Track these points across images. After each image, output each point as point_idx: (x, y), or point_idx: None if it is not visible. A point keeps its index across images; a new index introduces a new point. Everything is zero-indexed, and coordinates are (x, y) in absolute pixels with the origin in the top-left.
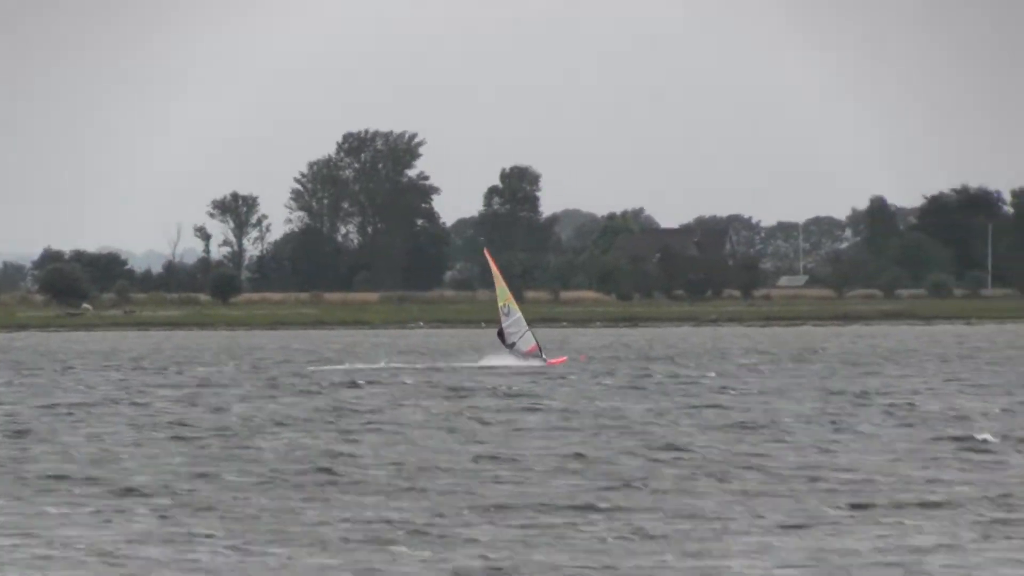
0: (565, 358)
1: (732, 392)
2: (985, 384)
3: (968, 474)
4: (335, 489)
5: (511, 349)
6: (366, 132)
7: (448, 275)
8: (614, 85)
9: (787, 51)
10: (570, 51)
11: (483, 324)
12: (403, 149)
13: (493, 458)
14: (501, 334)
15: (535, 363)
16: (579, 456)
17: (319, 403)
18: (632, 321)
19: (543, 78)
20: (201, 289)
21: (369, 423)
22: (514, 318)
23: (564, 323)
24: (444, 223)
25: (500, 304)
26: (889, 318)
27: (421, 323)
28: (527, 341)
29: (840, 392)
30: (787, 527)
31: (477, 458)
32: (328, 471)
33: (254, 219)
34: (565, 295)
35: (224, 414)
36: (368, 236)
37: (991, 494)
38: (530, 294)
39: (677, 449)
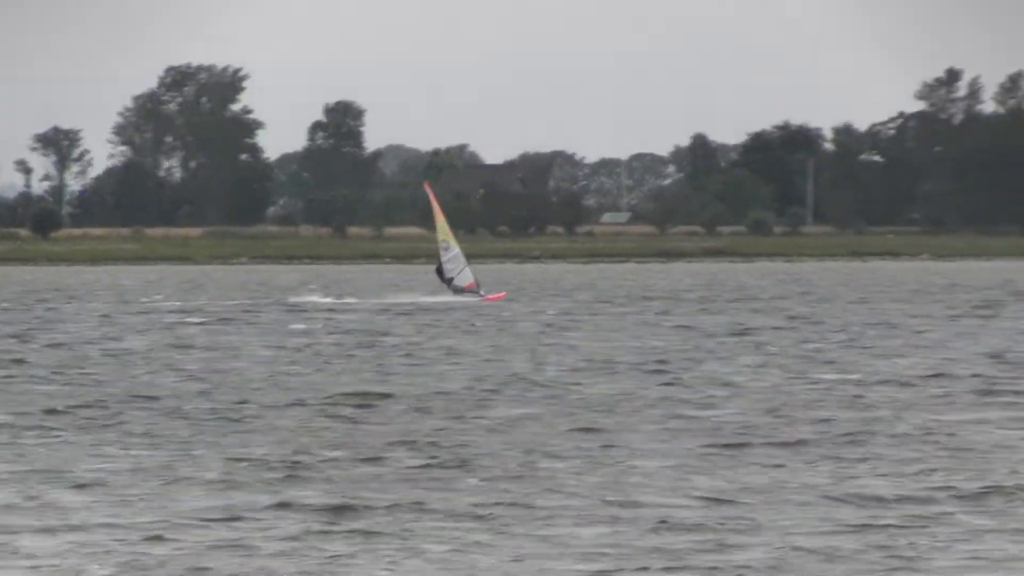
0: (504, 293)
1: (574, 330)
2: (822, 321)
3: (817, 411)
4: (183, 427)
5: (449, 285)
6: (189, 66)
7: (271, 210)
8: (438, 19)
9: None
10: None
11: (305, 260)
12: (227, 83)
13: (341, 395)
14: (440, 270)
15: (472, 299)
16: (422, 394)
17: (158, 339)
18: None
19: (368, 11)
20: (21, 224)
21: (211, 359)
22: (452, 254)
23: (387, 259)
24: (268, 158)
25: (440, 239)
26: (711, 255)
27: (244, 258)
28: (465, 277)
29: (686, 328)
30: (641, 464)
31: (325, 396)
32: (175, 410)
33: (76, 153)
34: (389, 231)
35: (62, 350)
36: (191, 171)
37: (843, 431)
38: (353, 230)
39: (521, 383)
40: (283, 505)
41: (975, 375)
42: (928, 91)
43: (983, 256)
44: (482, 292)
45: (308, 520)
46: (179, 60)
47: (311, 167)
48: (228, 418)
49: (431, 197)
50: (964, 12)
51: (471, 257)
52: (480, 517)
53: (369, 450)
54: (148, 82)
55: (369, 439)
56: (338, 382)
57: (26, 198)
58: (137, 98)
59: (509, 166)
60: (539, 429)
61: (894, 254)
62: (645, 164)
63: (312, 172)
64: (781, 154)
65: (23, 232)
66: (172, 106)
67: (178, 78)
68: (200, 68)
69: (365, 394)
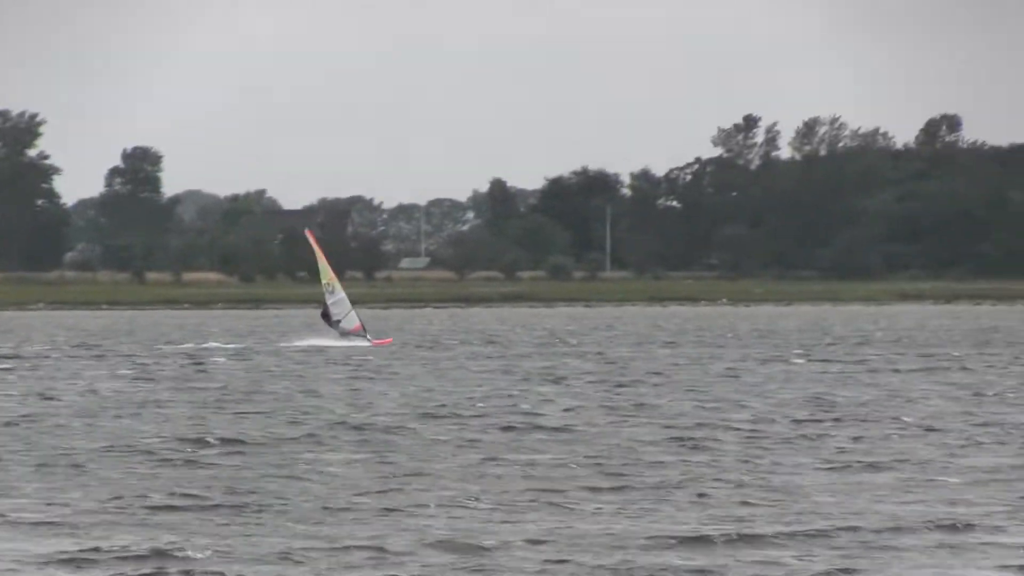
0: (391, 339)
1: (388, 374)
2: (633, 365)
3: (637, 455)
4: (5, 478)
5: (335, 327)
6: None
7: (68, 256)
8: (235, 64)
9: (412, 29)
10: (193, 29)
11: (103, 305)
12: (23, 128)
13: (157, 440)
14: (326, 314)
15: (360, 342)
16: (238, 438)
17: None
18: (255, 303)
19: (165, 57)
20: None
21: (22, 404)
22: (338, 297)
23: (186, 305)
24: (65, 203)
25: (324, 282)
26: (509, 300)
27: (41, 304)
28: (351, 320)
29: (501, 372)
30: (461, 508)
31: (141, 442)
32: None
33: None
34: (187, 276)
35: None
36: None
37: (663, 474)
38: (152, 275)
39: (338, 428)
40: (97, 550)
41: (789, 418)
42: (725, 137)
43: (781, 301)
44: (369, 337)
45: (124, 565)
46: None
47: (109, 213)
48: (43, 463)
49: (312, 242)
50: (761, 58)
51: (266, 302)
52: (296, 562)
53: (185, 494)
54: None
55: (185, 484)
56: (153, 428)
57: None
58: None
59: (308, 211)
60: (359, 472)
61: (693, 299)
62: (444, 210)
63: (110, 218)
64: (579, 200)
65: None
66: None
67: None
68: None
69: (181, 439)
